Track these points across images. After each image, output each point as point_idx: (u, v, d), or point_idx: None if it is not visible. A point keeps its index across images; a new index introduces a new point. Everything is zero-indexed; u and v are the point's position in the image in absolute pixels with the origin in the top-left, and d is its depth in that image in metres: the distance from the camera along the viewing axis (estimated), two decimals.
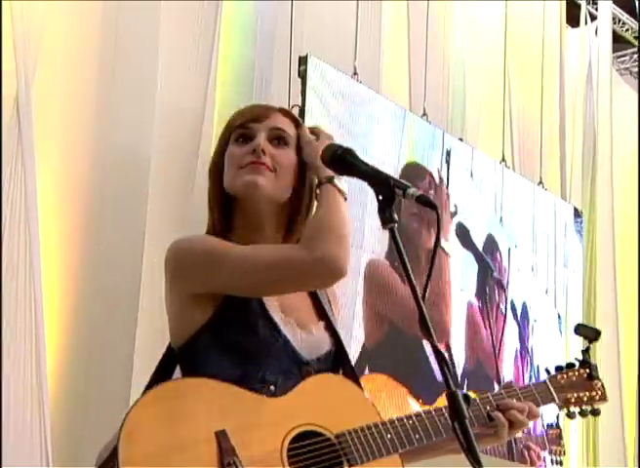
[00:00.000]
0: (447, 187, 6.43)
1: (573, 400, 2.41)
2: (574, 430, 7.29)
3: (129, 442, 1.82)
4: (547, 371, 2.43)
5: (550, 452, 6.52)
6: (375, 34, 6.38)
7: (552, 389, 2.37)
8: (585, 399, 2.42)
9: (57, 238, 4.64)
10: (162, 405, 1.90)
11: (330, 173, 2.11)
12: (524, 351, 6.97)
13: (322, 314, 2.22)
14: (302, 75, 5.46)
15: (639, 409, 8.01)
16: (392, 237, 1.89)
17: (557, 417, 6.63)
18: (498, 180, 6.90)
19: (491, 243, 6.80)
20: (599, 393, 2.43)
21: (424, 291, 1.85)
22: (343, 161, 2.04)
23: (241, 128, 2.20)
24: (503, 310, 6.81)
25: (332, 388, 2.10)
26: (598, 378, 2.44)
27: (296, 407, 2.02)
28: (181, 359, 2.12)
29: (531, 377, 6.91)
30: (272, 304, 2.12)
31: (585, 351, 2.46)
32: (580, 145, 8.10)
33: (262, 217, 2.18)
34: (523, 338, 6.98)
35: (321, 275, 2.03)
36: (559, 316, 7.33)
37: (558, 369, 2.43)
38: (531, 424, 2.34)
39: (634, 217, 8.24)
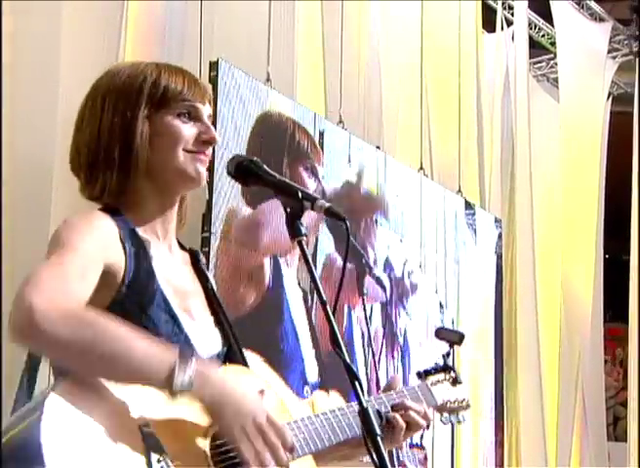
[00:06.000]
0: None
1: (448, 405, 2.35)
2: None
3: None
4: (419, 375, 2.35)
5: None
6: (288, 38, 6.19)
7: (433, 392, 2.31)
8: (456, 404, 2.36)
9: None
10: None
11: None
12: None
13: (213, 307, 2.10)
14: (213, 81, 5.22)
15: None
16: (301, 251, 1.87)
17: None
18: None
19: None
20: (465, 399, 2.37)
21: (335, 304, 1.84)
22: (249, 172, 1.98)
23: (187, 102, 2.03)
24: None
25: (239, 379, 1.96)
26: (461, 383, 2.39)
27: None
28: None
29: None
30: (169, 291, 1.99)
31: (447, 355, 2.39)
32: (498, 153, 8.04)
33: (175, 201, 2.08)
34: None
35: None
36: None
37: (427, 372, 2.36)
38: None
39: (554, 227, 8.35)
